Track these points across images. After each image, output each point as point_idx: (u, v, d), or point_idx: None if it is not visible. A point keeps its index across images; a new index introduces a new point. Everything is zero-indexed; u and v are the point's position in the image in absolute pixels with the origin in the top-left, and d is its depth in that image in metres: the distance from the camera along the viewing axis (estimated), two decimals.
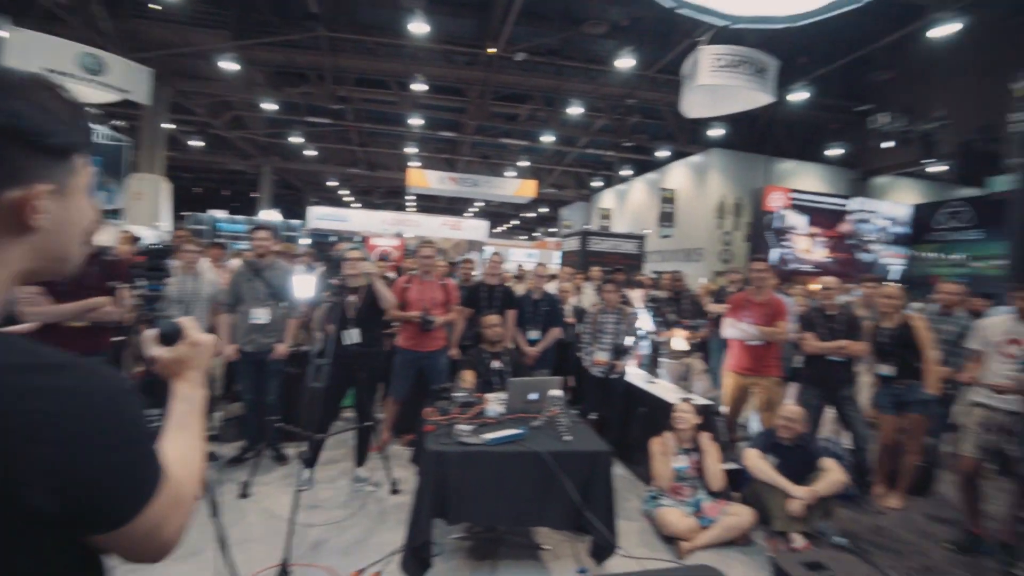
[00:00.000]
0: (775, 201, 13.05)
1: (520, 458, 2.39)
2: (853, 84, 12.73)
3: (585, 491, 2.42)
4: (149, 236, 7.21)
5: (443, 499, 2.37)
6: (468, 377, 3.31)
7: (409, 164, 18.04)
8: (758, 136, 14.52)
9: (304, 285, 3.68)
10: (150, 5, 10.15)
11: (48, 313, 2.74)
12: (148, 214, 11.01)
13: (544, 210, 27.17)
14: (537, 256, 15.39)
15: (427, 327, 3.67)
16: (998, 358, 3.02)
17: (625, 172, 18.24)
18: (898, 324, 3.59)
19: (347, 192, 26.76)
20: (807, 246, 13.18)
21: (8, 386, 0.49)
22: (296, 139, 16.84)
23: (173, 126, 14.74)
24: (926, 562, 2.96)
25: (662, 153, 15.92)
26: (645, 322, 4.36)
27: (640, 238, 10.59)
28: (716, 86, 7.80)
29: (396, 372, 3.90)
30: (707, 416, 3.45)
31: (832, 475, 3.04)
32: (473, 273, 5.29)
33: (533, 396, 2.80)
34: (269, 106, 13.81)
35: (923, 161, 11.74)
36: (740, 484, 3.43)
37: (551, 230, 28.83)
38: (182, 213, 14.25)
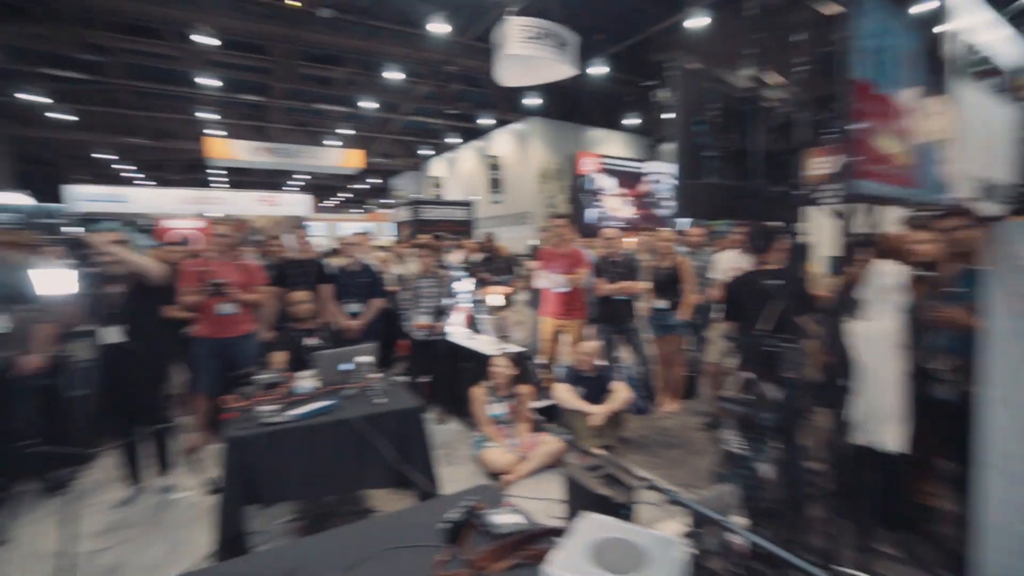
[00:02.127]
0: (587, 166, 14.49)
1: (330, 428, 2.38)
2: (641, 62, 14.51)
3: (401, 447, 2.53)
4: None
5: (253, 484, 2.26)
6: (278, 358, 3.13)
7: (205, 132, 15.58)
8: (569, 106, 15.79)
9: (54, 280, 3.02)
10: None
11: None
12: None
13: (375, 180, 26.04)
14: (371, 229, 14.80)
15: (217, 291, 3.34)
16: None
17: (453, 139, 18.35)
18: (671, 265, 4.37)
19: (130, 167, 22.13)
20: (617, 205, 15.00)
21: None
22: (35, 98, 13.14)
23: None
24: (689, 448, 3.77)
25: (486, 121, 16.34)
26: (465, 283, 4.57)
27: (468, 204, 10.87)
28: (525, 56, 8.23)
29: (197, 365, 3.50)
30: (522, 362, 3.82)
31: (620, 394, 3.64)
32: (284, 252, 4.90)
33: (345, 367, 2.78)
34: None
35: None
36: (555, 416, 3.91)
37: (384, 201, 27.84)
38: None
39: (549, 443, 3.40)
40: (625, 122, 16.56)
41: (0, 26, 10.11)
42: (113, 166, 21.40)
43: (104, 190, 14.17)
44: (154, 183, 22.72)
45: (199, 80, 12.67)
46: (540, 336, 4.48)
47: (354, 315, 4.09)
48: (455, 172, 19.36)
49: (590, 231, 10.20)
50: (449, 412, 4.25)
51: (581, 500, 2.59)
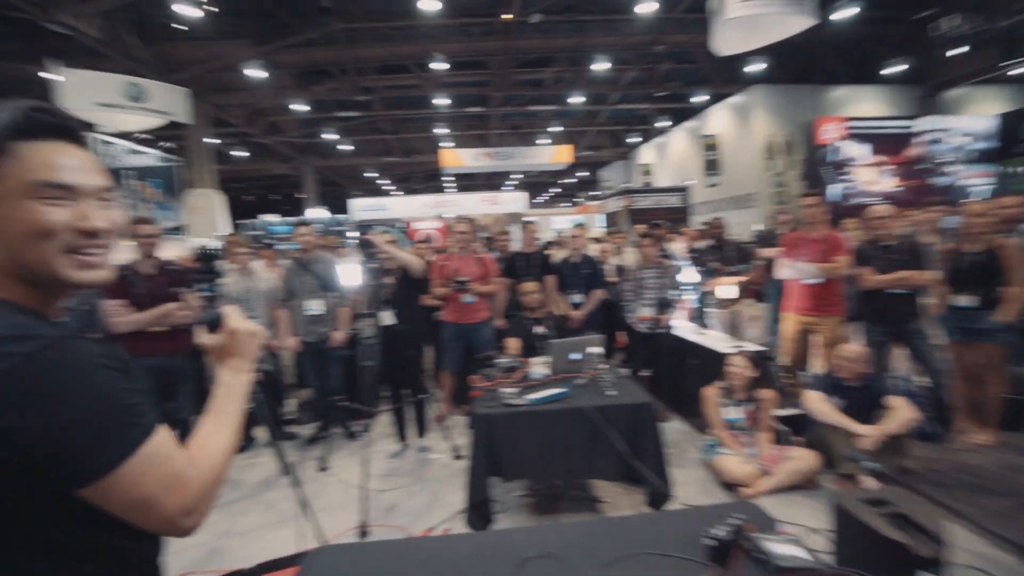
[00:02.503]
0: (829, 133, 12.11)
1: (565, 415, 2.44)
2: None
3: (633, 442, 2.45)
4: (209, 246, 7.74)
5: (496, 458, 2.47)
6: (512, 344, 3.38)
7: (441, 145, 18.11)
8: (804, 65, 13.42)
9: (350, 274, 3.85)
10: (173, 25, 10.55)
11: (129, 322, 3.03)
12: (207, 226, 11.78)
13: (583, 174, 26.60)
14: (581, 222, 15.21)
15: (461, 287, 3.76)
16: None
17: (662, 123, 17.46)
18: (985, 248, 3.28)
19: (387, 181, 27.31)
20: (872, 177, 12.19)
21: None
22: (330, 136, 17.29)
23: (217, 140, 15.51)
24: (1014, 499, 2.78)
25: (699, 98, 15.06)
26: (689, 274, 4.23)
27: (683, 190, 10.17)
28: (747, 17, 7.22)
29: (444, 346, 4.04)
30: (762, 364, 3.35)
31: (901, 413, 2.89)
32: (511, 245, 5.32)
33: (575, 356, 2.83)
34: (300, 107, 14.22)
35: (1003, 64, 10.36)
36: (803, 428, 3.33)
37: (592, 193, 28.24)
38: (238, 221, 15.11)
39: (799, 459, 2.91)
40: (883, 72, 13.27)
41: (313, 88, 13.58)
42: (377, 181, 26.75)
43: (372, 201, 17.77)
44: (402, 192, 27.53)
45: (435, 101, 14.79)
46: (782, 335, 3.87)
47: (576, 305, 4.19)
48: (665, 157, 18.43)
49: (836, 211, 8.49)
50: (672, 410, 4.02)
51: (859, 540, 2.11)
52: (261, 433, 4.12)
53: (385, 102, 15.35)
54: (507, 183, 26.48)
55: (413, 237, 10.12)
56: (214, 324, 0.87)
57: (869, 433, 2.83)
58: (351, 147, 19.45)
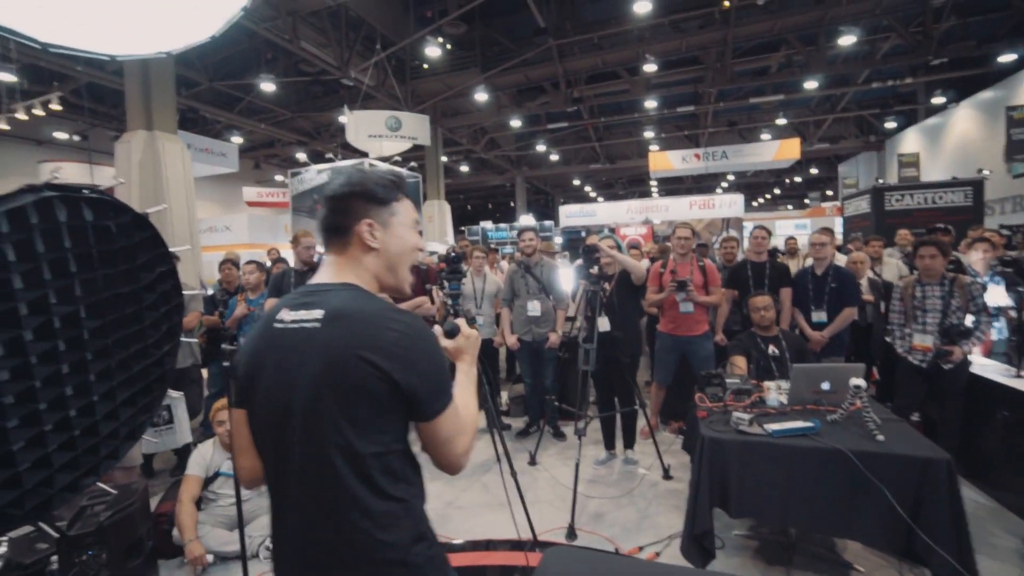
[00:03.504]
0: None
1: (815, 454, 2.06)
2: None
3: (913, 507, 1.93)
4: (441, 249, 9.00)
5: (723, 489, 2.23)
6: (739, 363, 3.03)
7: (650, 149, 17.62)
8: None
9: (565, 278, 3.99)
10: (424, 66, 12.73)
11: None
12: (438, 232, 13.75)
13: (814, 171, 22.83)
14: (808, 226, 12.98)
15: (681, 287, 3.55)
16: None
17: (936, 100, 13.79)
18: None
19: (590, 188, 27.84)
20: None
21: (384, 315, 0.89)
22: (541, 147, 18.43)
23: (446, 158, 17.96)
24: None
25: (1006, 58, 11.38)
26: (996, 294, 3.16)
27: (975, 184, 7.79)
28: None
29: (658, 357, 3.86)
30: None
31: None
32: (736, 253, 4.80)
33: (825, 386, 2.37)
34: (515, 123, 15.52)
35: None
36: None
37: (828, 193, 23.96)
38: (460, 228, 17.28)
39: None
40: None
41: (527, 104, 14.69)
42: (584, 189, 27.51)
43: (579, 207, 18.22)
44: (602, 199, 27.68)
45: (643, 104, 14.44)
46: None
47: (818, 326, 3.56)
48: (937, 144, 14.54)
49: None
50: (960, 473, 3.08)
51: None
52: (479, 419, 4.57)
53: (592, 110, 15.62)
54: (721, 185, 24.34)
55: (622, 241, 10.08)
56: (452, 333, 1.10)
57: None
58: (558, 157, 20.39)
